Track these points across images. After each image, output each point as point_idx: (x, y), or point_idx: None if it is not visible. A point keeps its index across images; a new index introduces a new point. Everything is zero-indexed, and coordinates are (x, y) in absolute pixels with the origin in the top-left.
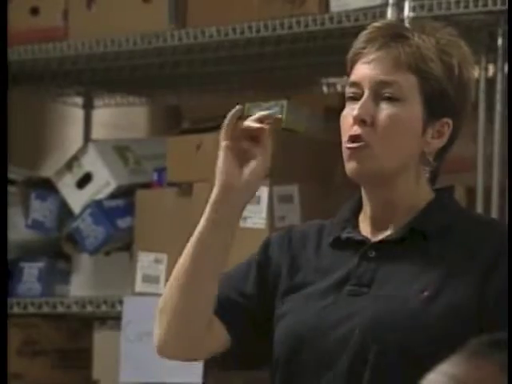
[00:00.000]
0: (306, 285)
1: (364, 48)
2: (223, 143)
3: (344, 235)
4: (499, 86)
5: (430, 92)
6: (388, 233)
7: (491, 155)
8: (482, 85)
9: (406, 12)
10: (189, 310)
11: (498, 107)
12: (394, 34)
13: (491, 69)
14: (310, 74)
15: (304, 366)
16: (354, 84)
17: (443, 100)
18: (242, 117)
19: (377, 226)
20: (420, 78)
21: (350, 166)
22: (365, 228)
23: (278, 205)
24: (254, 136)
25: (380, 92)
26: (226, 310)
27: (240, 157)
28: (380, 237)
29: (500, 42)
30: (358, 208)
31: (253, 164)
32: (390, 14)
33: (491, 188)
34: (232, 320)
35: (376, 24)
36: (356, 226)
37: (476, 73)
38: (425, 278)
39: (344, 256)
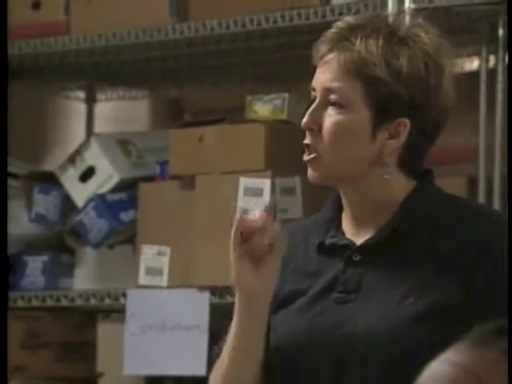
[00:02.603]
0: (296, 293)
1: (317, 51)
2: (233, 254)
3: (328, 240)
4: (500, 77)
5: (376, 96)
6: (370, 234)
7: (492, 146)
8: (483, 75)
9: (407, 3)
10: None
11: (499, 97)
12: (339, 39)
13: (492, 59)
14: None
15: (297, 377)
16: (312, 88)
17: (394, 101)
18: None
19: (359, 226)
20: (365, 83)
21: (308, 173)
22: (348, 228)
23: (281, 197)
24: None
25: (327, 98)
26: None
27: (252, 258)
28: (363, 237)
29: (501, 32)
30: (341, 205)
31: (266, 262)
32: (390, 5)
33: (493, 178)
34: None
35: (337, 23)
36: (339, 226)
37: (477, 63)
38: (408, 282)
39: (329, 260)
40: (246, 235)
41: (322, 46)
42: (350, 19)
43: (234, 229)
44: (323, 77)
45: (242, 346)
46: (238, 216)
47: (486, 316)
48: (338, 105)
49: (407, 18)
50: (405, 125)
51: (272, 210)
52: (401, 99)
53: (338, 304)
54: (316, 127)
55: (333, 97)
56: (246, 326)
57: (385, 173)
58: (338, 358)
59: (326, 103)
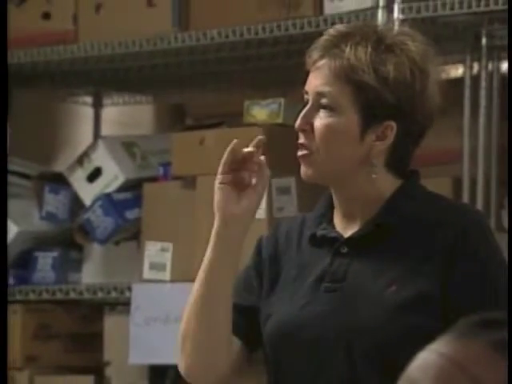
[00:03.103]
0: (288, 283)
1: (309, 57)
2: (219, 178)
3: (319, 232)
4: (483, 83)
5: (365, 100)
6: (357, 228)
7: (476, 148)
8: (467, 82)
9: (396, 14)
10: (209, 338)
11: (482, 102)
12: (330, 46)
13: (476, 67)
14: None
15: (288, 364)
16: (306, 92)
17: (381, 106)
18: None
19: (348, 221)
20: (354, 88)
21: (301, 171)
22: (338, 222)
23: (277, 196)
24: (249, 163)
25: (319, 101)
26: (239, 324)
27: (236, 187)
28: (351, 232)
29: (484, 41)
30: (333, 202)
31: (249, 193)
32: (380, 16)
33: (476, 179)
34: (247, 332)
35: (329, 30)
36: (331, 221)
37: (461, 70)
38: (392, 272)
39: (320, 252)
40: (235, 166)
41: (314, 53)
42: (340, 27)
43: (223, 158)
44: (315, 81)
45: (215, 269)
46: (233, 145)
47: (462, 307)
48: (329, 108)
49: (395, 27)
50: (392, 128)
51: (261, 144)
52: (388, 103)
53: (327, 293)
54: (308, 128)
55: (324, 100)
56: (221, 251)
57: (372, 172)
58: (325, 347)
59: (317, 106)
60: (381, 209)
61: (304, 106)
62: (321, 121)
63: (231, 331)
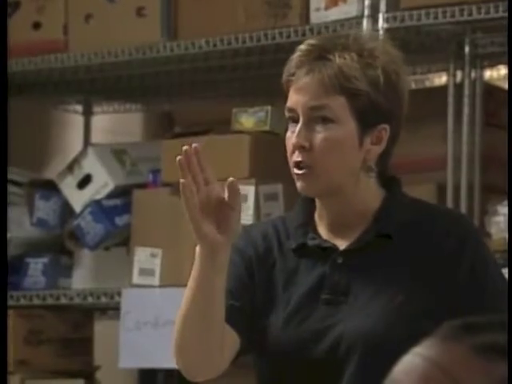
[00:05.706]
0: (280, 291)
1: (293, 74)
2: (192, 215)
3: (310, 242)
4: (466, 91)
5: (360, 107)
6: (349, 237)
7: (460, 155)
8: (451, 90)
9: (381, 23)
10: (208, 345)
11: (466, 110)
12: (317, 57)
13: (459, 75)
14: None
15: (293, 380)
16: (291, 109)
17: (375, 110)
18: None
19: (334, 231)
20: (348, 96)
21: (299, 185)
22: (323, 232)
23: (264, 203)
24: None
25: (313, 116)
26: (233, 317)
27: (212, 217)
28: (341, 241)
29: (467, 50)
30: (313, 208)
31: (226, 219)
32: (365, 25)
33: (460, 185)
34: (240, 324)
35: (302, 47)
36: (315, 229)
37: (445, 79)
38: (395, 282)
39: (309, 261)
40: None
41: (299, 70)
42: (311, 41)
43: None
44: (304, 97)
45: (205, 298)
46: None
47: (466, 312)
48: (327, 120)
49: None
50: (386, 130)
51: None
52: (381, 107)
53: (327, 306)
54: (307, 144)
55: (320, 113)
56: (209, 278)
57: (370, 176)
58: (335, 358)
59: (311, 121)
60: (376, 218)
61: (287, 125)
62: (320, 135)
63: (225, 336)
